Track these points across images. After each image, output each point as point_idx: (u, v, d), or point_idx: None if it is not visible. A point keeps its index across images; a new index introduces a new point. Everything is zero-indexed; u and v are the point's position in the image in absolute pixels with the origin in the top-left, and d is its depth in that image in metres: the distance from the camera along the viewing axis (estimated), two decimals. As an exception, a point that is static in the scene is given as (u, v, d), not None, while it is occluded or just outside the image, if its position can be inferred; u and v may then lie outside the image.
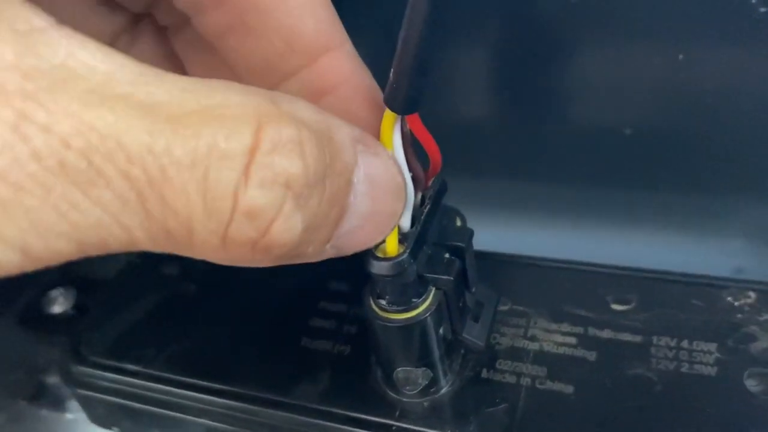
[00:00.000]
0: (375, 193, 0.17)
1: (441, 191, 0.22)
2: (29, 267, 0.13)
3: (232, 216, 0.14)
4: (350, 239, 0.17)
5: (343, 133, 0.16)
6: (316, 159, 0.15)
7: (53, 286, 0.34)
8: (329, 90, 0.20)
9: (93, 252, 0.14)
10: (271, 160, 0.14)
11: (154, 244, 0.14)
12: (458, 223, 0.24)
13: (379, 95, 0.20)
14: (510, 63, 0.29)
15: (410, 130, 0.19)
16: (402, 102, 0.18)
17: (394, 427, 0.23)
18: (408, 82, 0.17)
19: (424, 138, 0.20)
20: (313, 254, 0.17)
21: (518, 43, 0.28)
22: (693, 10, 0.24)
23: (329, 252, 0.17)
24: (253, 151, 0.13)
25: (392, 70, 0.17)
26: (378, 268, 0.20)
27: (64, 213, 0.12)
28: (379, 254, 0.21)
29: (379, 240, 0.19)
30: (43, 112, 0.12)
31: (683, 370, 0.23)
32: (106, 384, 0.28)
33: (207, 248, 0.14)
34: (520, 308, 0.26)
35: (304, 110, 0.15)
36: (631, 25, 0.26)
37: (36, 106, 0.12)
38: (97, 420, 0.30)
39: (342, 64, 0.20)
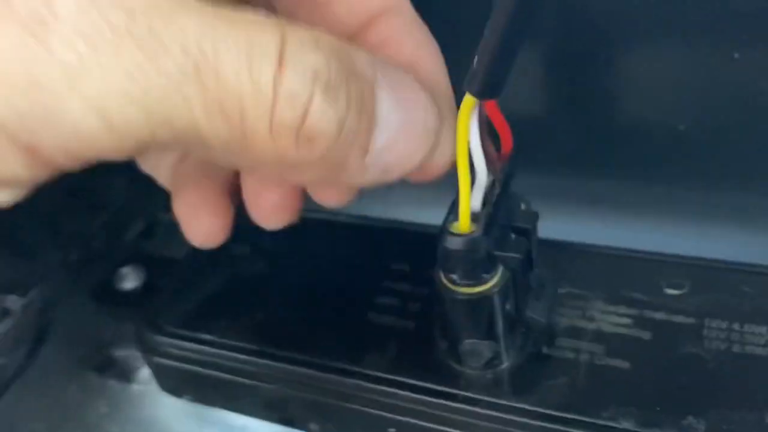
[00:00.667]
0: (403, 106, 0.18)
1: (510, 175, 0.24)
2: (107, 137, 0.14)
3: (275, 100, 0.15)
4: (389, 154, 0.18)
5: (362, 54, 0.18)
6: (337, 60, 0.16)
7: (124, 264, 0.36)
8: (378, 49, 0.22)
9: (161, 131, 0.15)
10: (298, 56, 0.16)
11: (213, 126, 0.15)
12: (522, 207, 0.26)
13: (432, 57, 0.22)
14: (571, 61, 0.30)
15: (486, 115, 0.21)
16: (481, 87, 0.18)
17: (460, 396, 0.24)
18: (490, 68, 0.18)
19: (500, 123, 0.21)
20: (357, 169, 0.18)
21: (577, 41, 0.29)
22: (749, 8, 0.25)
23: (374, 172, 0.19)
24: (283, 48, 0.15)
25: (476, 56, 0.18)
26: (454, 243, 0.22)
27: (133, 75, 0.14)
28: (454, 230, 0.22)
29: (418, 157, 0.19)
30: None
31: (735, 350, 0.24)
32: (181, 352, 0.30)
33: (258, 138, 0.16)
34: (579, 291, 0.27)
35: (323, 32, 0.17)
36: (688, 23, 0.27)
37: None
38: (168, 388, 0.32)
39: (395, 25, 0.22)
